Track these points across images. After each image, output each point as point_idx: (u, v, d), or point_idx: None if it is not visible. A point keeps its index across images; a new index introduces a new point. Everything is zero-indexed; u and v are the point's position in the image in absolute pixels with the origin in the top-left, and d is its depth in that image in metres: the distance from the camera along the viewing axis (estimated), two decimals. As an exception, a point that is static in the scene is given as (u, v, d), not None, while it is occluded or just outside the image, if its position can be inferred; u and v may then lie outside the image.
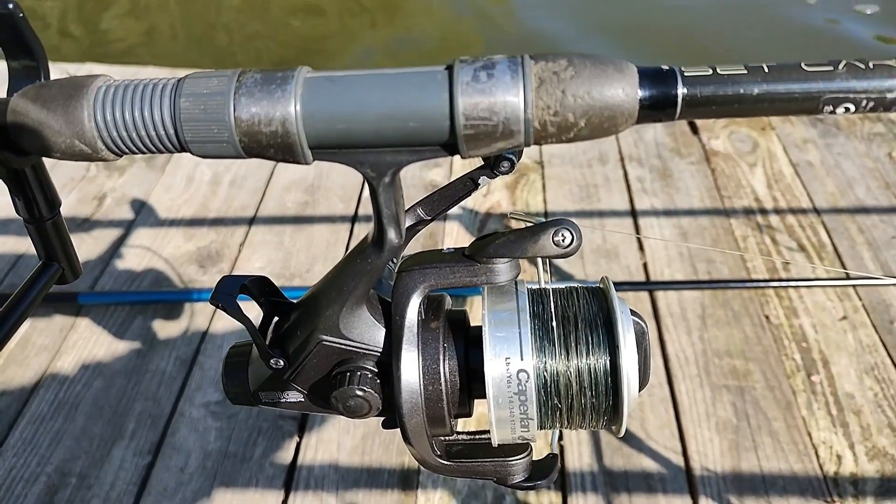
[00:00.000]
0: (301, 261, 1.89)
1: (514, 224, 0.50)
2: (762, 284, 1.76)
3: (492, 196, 2.08)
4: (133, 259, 1.91)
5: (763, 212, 2.01)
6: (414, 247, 0.50)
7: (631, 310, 0.47)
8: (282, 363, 0.50)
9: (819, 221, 1.97)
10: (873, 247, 1.88)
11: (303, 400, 0.52)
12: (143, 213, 2.07)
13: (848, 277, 1.78)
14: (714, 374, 1.56)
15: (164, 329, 1.71)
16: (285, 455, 1.44)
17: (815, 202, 2.03)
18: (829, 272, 1.80)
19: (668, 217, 2.00)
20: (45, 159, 0.48)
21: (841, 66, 0.37)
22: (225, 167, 2.22)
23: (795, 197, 2.06)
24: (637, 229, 1.96)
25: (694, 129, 2.35)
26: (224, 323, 1.71)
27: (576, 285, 0.50)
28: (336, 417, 1.50)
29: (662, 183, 2.12)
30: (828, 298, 1.73)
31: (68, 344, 1.68)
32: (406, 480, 1.39)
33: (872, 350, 1.61)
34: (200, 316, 1.73)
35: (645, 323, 0.48)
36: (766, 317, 1.69)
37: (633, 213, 2.02)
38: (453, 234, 1.95)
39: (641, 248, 1.90)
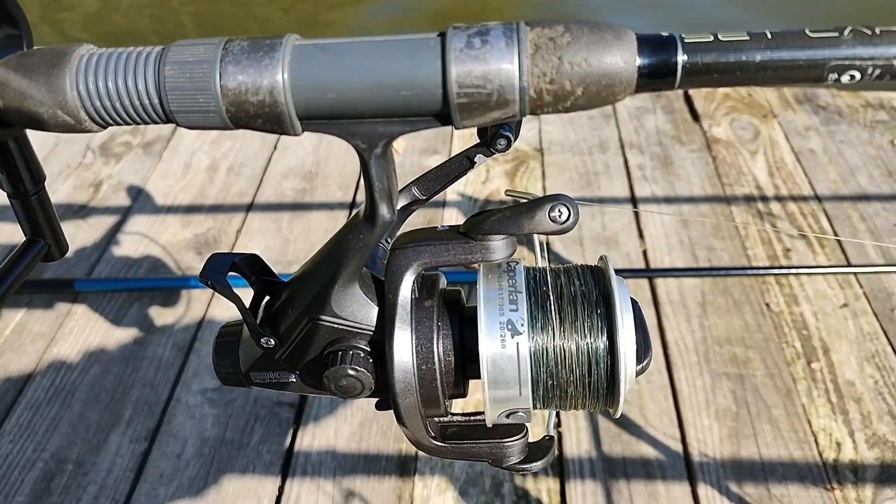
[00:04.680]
0: (299, 248, 1.88)
1: (512, 202, 0.49)
2: (763, 272, 1.75)
3: (490, 183, 2.07)
4: (130, 246, 1.90)
5: (764, 199, 1.99)
6: (411, 232, 0.49)
7: None
8: (273, 342, 0.49)
9: (821, 209, 1.95)
10: (875, 235, 1.87)
11: (295, 380, 0.51)
12: (139, 199, 2.06)
13: (849, 265, 1.77)
14: (714, 362, 1.55)
15: (161, 316, 1.70)
16: (282, 441, 1.44)
17: (816, 190, 2.02)
18: (830, 259, 1.79)
19: (669, 204, 1.99)
20: (38, 139, 0.47)
21: (846, 33, 0.35)
22: (223, 154, 2.21)
23: (797, 185, 2.04)
24: (637, 218, 1.94)
25: (695, 117, 2.33)
26: (221, 310, 1.70)
27: (573, 264, 0.49)
28: (333, 403, 1.50)
29: (663, 170, 2.11)
30: (829, 286, 1.72)
31: (65, 331, 1.67)
32: (403, 467, 1.39)
33: (873, 338, 1.60)
34: (197, 303, 1.72)
35: (635, 301, 0.47)
36: (767, 304, 1.68)
37: (634, 201, 2.01)
38: (451, 221, 1.93)
39: (641, 235, 1.89)
